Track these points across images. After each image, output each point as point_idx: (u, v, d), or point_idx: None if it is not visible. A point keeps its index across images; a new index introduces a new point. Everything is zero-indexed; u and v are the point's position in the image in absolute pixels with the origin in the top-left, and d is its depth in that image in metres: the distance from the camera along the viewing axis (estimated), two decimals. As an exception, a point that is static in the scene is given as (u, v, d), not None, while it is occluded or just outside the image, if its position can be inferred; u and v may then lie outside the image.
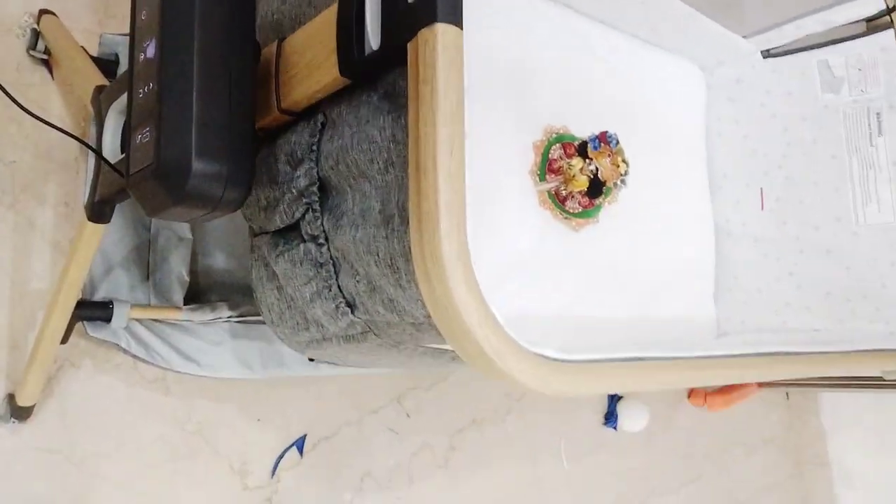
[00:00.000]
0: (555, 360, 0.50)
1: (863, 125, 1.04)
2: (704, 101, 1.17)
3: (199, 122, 0.58)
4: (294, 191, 0.65)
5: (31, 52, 1.13)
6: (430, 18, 0.49)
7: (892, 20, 1.01)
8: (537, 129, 0.95)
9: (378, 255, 0.57)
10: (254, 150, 0.64)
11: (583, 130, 0.98)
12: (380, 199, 0.58)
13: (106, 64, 1.06)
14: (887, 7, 1.01)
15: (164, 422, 1.16)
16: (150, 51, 0.61)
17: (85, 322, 0.97)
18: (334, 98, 0.63)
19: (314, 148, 0.64)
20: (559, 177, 0.94)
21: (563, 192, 0.94)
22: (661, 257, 1.06)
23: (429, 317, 0.58)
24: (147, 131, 0.60)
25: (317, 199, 0.64)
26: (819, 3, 1.01)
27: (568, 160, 0.93)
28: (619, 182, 0.95)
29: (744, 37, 1.09)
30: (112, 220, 0.83)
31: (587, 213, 0.96)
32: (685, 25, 1.04)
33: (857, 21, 1.03)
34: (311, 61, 0.61)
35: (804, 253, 1.08)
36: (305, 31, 0.63)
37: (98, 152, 0.76)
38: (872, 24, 1.03)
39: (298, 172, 0.65)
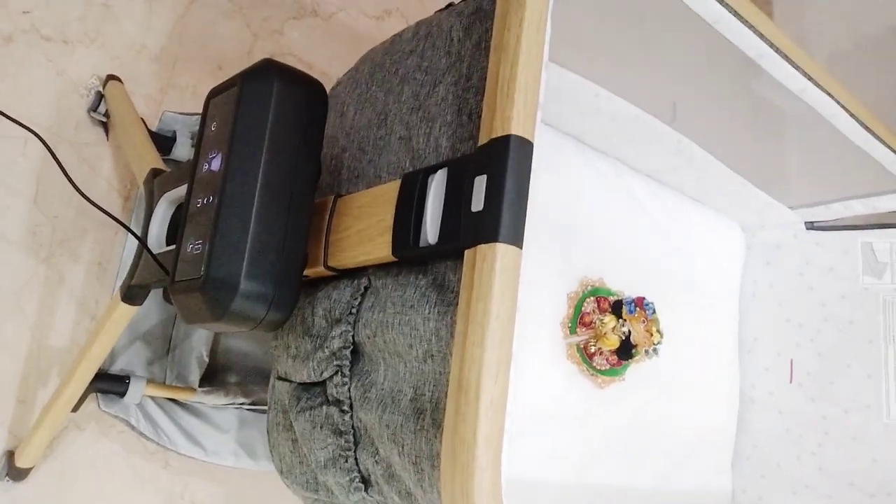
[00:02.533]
0: None
1: (903, 315, 1.03)
2: (742, 260, 1.16)
3: (253, 243, 0.58)
4: (327, 350, 0.64)
5: (92, 114, 1.16)
6: (493, 237, 0.48)
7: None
8: (573, 281, 0.94)
9: (402, 448, 0.55)
10: (301, 275, 0.64)
11: (619, 285, 0.97)
12: (412, 386, 0.57)
13: (163, 140, 1.08)
14: (937, 202, 1.00)
15: (159, 496, 1.14)
16: (216, 164, 0.61)
17: (98, 395, 0.96)
18: (381, 266, 0.62)
19: (354, 311, 0.63)
20: (590, 331, 0.93)
21: (592, 347, 0.93)
22: (685, 419, 1.04)
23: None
24: (199, 244, 0.59)
25: (348, 363, 0.63)
26: (867, 190, 1.01)
27: (601, 316, 0.93)
28: (651, 350, 0.93)
29: (790, 207, 1.09)
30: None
31: (614, 371, 0.94)
32: (733, 189, 1.04)
33: (906, 211, 1.03)
34: (363, 230, 0.61)
35: (829, 435, 1.05)
36: (363, 197, 0.63)
37: (145, 244, 0.76)
38: (920, 216, 1.03)
39: (334, 332, 0.64)
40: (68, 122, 1.14)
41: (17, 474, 1.00)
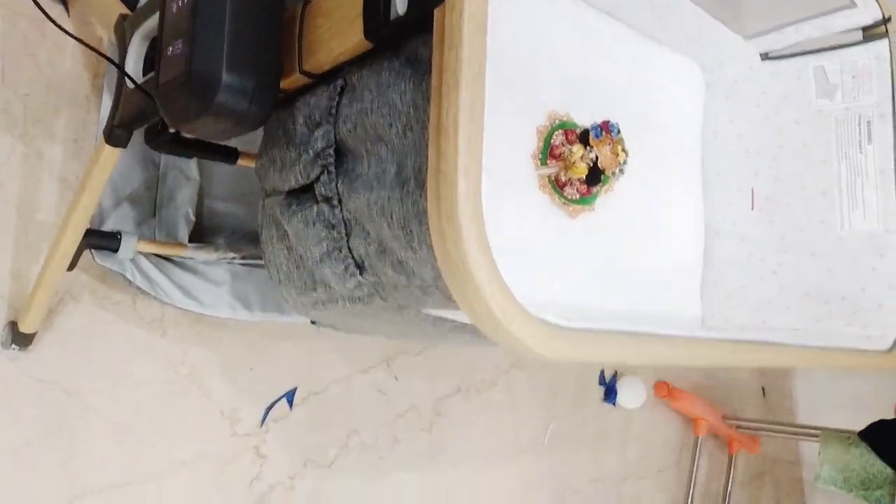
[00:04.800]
0: (556, 325, 0.54)
1: (853, 132, 1.08)
2: (703, 99, 1.21)
3: (230, 37, 0.62)
4: (311, 152, 0.68)
5: None
6: (459, -12, 0.52)
7: (886, 30, 1.05)
8: (541, 115, 0.98)
9: (391, 217, 0.60)
10: (279, 71, 0.67)
11: (585, 119, 1.01)
12: (396, 162, 0.61)
13: (126, -1, 1.08)
14: (883, 17, 1.05)
15: (158, 363, 1.19)
16: None
17: (93, 250, 0.98)
18: (355, 63, 0.66)
19: (333, 111, 0.67)
20: (560, 162, 0.97)
21: (563, 177, 0.97)
22: (653, 252, 1.10)
23: (437, 279, 0.61)
24: (179, 44, 0.63)
25: (332, 161, 0.67)
26: (819, 9, 1.05)
27: (569, 147, 0.97)
28: (617, 171, 0.98)
29: (744, 38, 1.13)
30: (123, 153, 0.85)
31: (584, 200, 1.00)
32: (691, 24, 1.08)
33: (855, 29, 1.07)
34: (335, 25, 0.64)
35: (788, 253, 1.12)
36: (332, -4, 0.66)
37: (122, 69, 0.78)
38: (869, 33, 1.07)
39: (316, 134, 0.67)
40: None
41: (23, 340, 1.04)
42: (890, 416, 1.83)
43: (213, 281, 1.08)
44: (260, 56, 0.64)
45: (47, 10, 0.73)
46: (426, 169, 0.56)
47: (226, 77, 0.61)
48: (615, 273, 1.06)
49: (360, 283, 0.69)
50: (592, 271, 1.03)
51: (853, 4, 1.00)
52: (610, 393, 1.81)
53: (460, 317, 0.76)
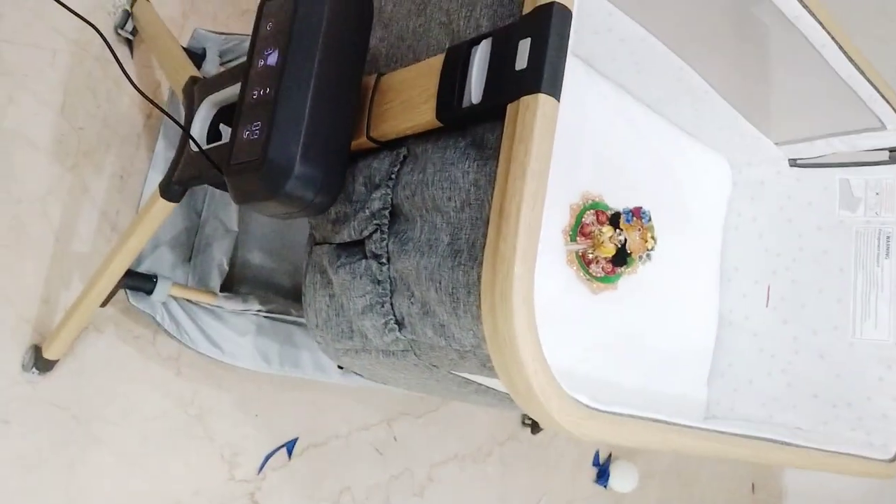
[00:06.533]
0: (588, 407, 0.57)
1: (872, 245, 1.12)
2: (728, 195, 1.25)
3: (307, 131, 0.65)
4: (367, 211, 0.71)
5: (119, 31, 1.20)
6: (535, 88, 0.56)
7: (911, 155, 1.10)
8: (576, 194, 1.02)
9: (440, 283, 0.63)
10: (345, 163, 0.71)
11: (616, 202, 1.05)
12: (450, 233, 0.64)
13: (192, 56, 1.13)
14: (910, 142, 1.10)
15: (169, 400, 1.20)
16: (272, 59, 0.68)
17: (128, 290, 1.01)
18: (420, 136, 0.69)
19: (393, 177, 0.70)
20: (589, 240, 1.01)
21: (590, 255, 1.01)
22: (667, 335, 1.13)
23: (476, 347, 0.63)
24: (257, 129, 0.66)
25: (387, 222, 0.70)
26: (849, 127, 1.10)
27: (599, 227, 1.00)
28: (644, 256, 1.02)
29: (775, 143, 1.18)
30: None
31: (608, 279, 1.03)
32: (726, 123, 1.13)
33: (882, 149, 1.12)
34: (408, 101, 0.68)
35: (799, 354, 1.15)
36: (407, 72, 0.70)
37: (188, 132, 0.82)
38: (894, 155, 1.12)
39: (374, 195, 0.71)
40: (95, 38, 1.19)
41: (44, 365, 1.06)
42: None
43: (237, 331, 1.10)
44: (331, 150, 0.68)
45: (115, 51, 0.77)
46: (480, 244, 0.59)
47: (298, 168, 0.65)
48: (629, 349, 1.08)
49: (397, 339, 0.72)
50: (607, 345, 1.05)
51: (883, 127, 1.05)
52: (602, 475, 1.81)
53: (489, 382, 0.78)
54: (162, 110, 0.80)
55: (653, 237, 1.01)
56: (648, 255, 1.03)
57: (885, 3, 2.17)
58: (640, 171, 1.11)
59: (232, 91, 0.80)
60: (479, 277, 0.56)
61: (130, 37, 1.21)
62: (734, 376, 1.20)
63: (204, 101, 0.85)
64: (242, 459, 1.28)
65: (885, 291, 1.11)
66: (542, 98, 0.56)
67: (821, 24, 0.88)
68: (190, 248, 1.15)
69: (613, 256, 1.00)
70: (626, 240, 0.99)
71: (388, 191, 0.70)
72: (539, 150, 0.55)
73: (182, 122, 0.86)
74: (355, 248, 0.73)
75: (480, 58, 0.61)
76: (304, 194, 0.67)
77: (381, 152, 0.72)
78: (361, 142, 0.73)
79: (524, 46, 0.58)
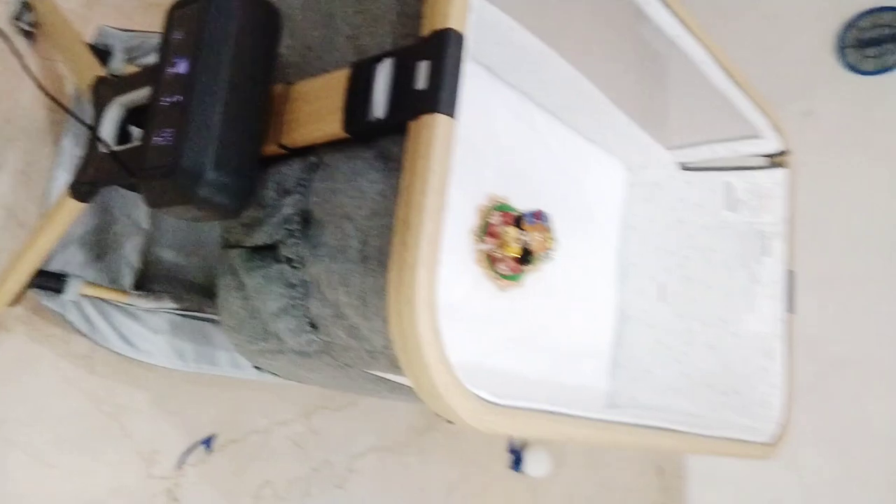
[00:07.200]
0: (489, 402, 0.62)
1: (753, 245, 1.22)
2: (625, 196, 1.34)
3: (219, 137, 0.68)
4: (279, 216, 0.74)
5: (16, 22, 1.17)
6: (433, 108, 0.61)
7: (786, 161, 1.21)
8: (482, 196, 1.08)
9: (351, 288, 0.66)
10: (256, 168, 0.74)
11: (521, 203, 1.11)
12: (360, 239, 0.68)
13: (98, 53, 1.11)
14: (784, 149, 1.20)
15: (83, 399, 1.19)
16: (182, 67, 0.70)
17: (37, 290, 1.00)
18: (329, 144, 0.73)
19: (304, 184, 0.73)
20: (496, 240, 1.07)
21: (497, 254, 1.07)
22: (569, 329, 1.21)
23: (386, 347, 0.68)
24: (168, 135, 0.68)
25: (299, 227, 0.73)
26: (730, 135, 1.19)
27: (505, 228, 1.07)
28: (545, 255, 1.08)
29: (666, 148, 1.27)
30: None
31: (514, 276, 1.09)
32: (622, 130, 1.21)
33: (761, 155, 1.22)
34: (316, 111, 0.72)
35: (692, 345, 1.24)
36: (316, 83, 0.73)
37: (104, 141, 0.83)
38: (773, 161, 1.22)
39: (286, 202, 0.74)
40: (-12, 29, 1.16)
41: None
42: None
43: (151, 328, 1.11)
44: (243, 156, 0.71)
45: (13, 44, 0.76)
46: (388, 252, 0.63)
47: (210, 174, 0.68)
48: (535, 343, 1.15)
49: (311, 341, 0.75)
50: (514, 339, 1.12)
51: (760, 136, 1.14)
52: (517, 461, 1.88)
53: (400, 379, 0.83)
54: (69, 111, 0.80)
55: (553, 238, 1.08)
56: (549, 256, 1.09)
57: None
58: (544, 173, 1.17)
59: (142, 93, 0.81)
60: (387, 283, 0.61)
61: (29, 28, 1.19)
62: (634, 367, 1.29)
63: (113, 103, 0.86)
64: (160, 456, 1.28)
65: (766, 288, 1.21)
66: (440, 118, 0.60)
67: (700, 42, 0.96)
68: (101, 246, 1.14)
69: (518, 256, 1.06)
70: (529, 240, 1.06)
71: (300, 197, 0.73)
72: (438, 167, 0.60)
73: (88, 121, 0.87)
74: (268, 252, 0.76)
75: (383, 76, 0.66)
76: (217, 199, 0.69)
77: (292, 159, 0.75)
78: (272, 149, 0.76)
79: (423, 68, 0.62)
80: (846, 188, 2.06)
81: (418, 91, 0.62)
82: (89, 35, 1.17)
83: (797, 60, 2.25)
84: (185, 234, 1.22)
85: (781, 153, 1.20)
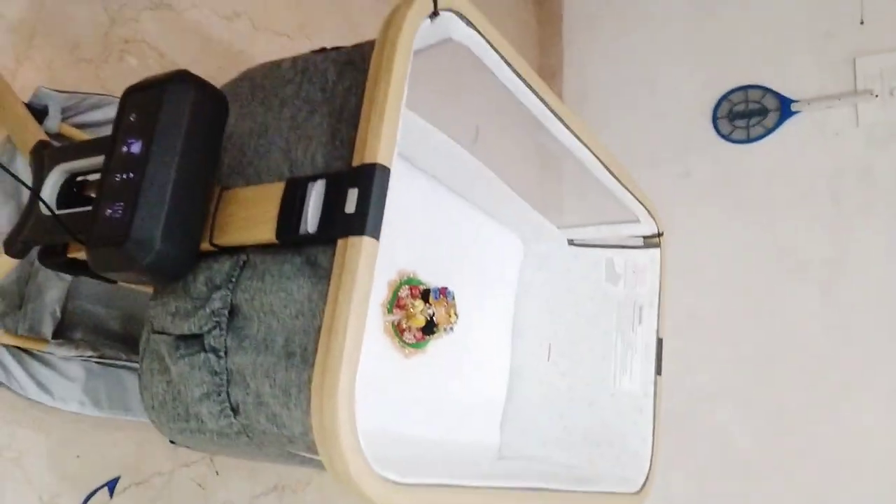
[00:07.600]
0: (395, 483, 0.71)
1: (630, 313, 1.38)
2: (520, 265, 1.47)
3: (168, 214, 0.76)
4: (207, 309, 0.80)
5: None
6: (360, 231, 0.70)
7: (660, 241, 1.38)
8: (393, 270, 1.18)
9: (274, 380, 0.73)
10: (198, 239, 0.81)
11: (429, 277, 1.22)
12: (285, 336, 0.75)
13: (34, 112, 1.15)
14: (658, 232, 1.37)
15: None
16: (135, 148, 0.77)
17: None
18: (259, 246, 0.80)
19: (233, 280, 0.79)
20: (403, 312, 1.17)
21: (404, 324, 1.17)
22: (466, 388, 1.32)
23: (304, 434, 0.75)
24: (119, 208, 0.75)
25: (226, 319, 0.79)
26: (612, 219, 1.35)
27: (412, 301, 1.17)
28: (448, 328, 1.19)
29: (557, 227, 1.41)
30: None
31: (418, 344, 1.19)
32: (518, 210, 1.34)
33: (638, 236, 1.39)
34: (252, 217, 0.79)
35: (573, 402, 1.38)
36: (251, 192, 0.81)
37: (47, 204, 0.88)
38: (647, 241, 1.39)
39: (214, 296, 0.79)
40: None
41: None
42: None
43: (67, 376, 1.14)
44: (188, 228, 0.79)
45: None
46: (312, 350, 0.71)
47: (160, 246, 0.75)
48: (433, 405, 1.26)
49: (231, 424, 0.80)
50: (416, 400, 1.22)
51: (637, 220, 1.30)
52: None
53: (313, 456, 0.90)
54: (14, 176, 0.84)
55: (455, 313, 1.19)
56: (451, 328, 1.20)
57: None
58: (448, 247, 1.29)
59: (86, 162, 0.87)
60: (309, 378, 0.68)
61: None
62: (522, 421, 1.42)
63: (55, 168, 0.90)
64: (62, 500, 1.30)
65: (639, 353, 1.37)
66: (366, 240, 0.70)
67: (590, 150, 1.10)
68: (21, 295, 1.17)
69: (423, 326, 1.16)
70: (434, 313, 1.16)
71: (228, 292, 0.79)
72: (362, 282, 0.69)
73: (25, 180, 0.90)
74: (194, 340, 0.81)
75: (316, 195, 0.74)
76: (163, 267, 0.76)
77: (222, 256, 0.82)
78: (205, 245, 0.82)
79: (353, 195, 0.72)
80: (713, 236, 2.35)
81: (347, 214, 0.71)
82: (19, 87, 1.20)
83: (677, 128, 2.49)
84: (104, 286, 1.25)
85: (655, 235, 1.36)
